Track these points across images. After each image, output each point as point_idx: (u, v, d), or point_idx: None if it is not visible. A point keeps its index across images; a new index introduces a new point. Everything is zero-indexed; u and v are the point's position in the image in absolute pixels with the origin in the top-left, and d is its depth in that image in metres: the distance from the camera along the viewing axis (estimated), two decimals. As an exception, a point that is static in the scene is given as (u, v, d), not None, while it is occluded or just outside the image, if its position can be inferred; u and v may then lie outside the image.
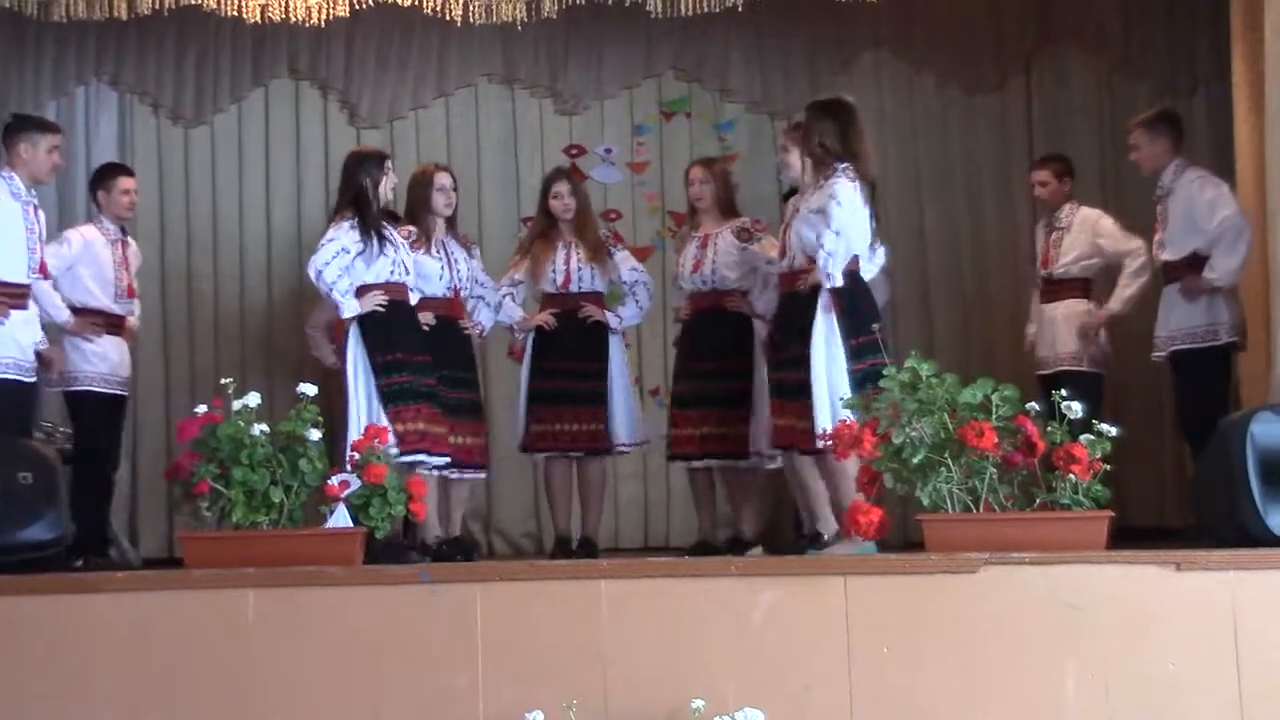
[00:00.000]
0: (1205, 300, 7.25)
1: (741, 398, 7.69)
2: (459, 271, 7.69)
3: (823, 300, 6.63)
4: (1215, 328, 7.27)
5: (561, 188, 7.95)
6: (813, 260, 6.68)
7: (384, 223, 7.29)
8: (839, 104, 6.88)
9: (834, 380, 6.58)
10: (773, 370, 7.06)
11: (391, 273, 7.25)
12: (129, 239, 8.09)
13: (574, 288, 7.86)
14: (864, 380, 6.42)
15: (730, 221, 7.79)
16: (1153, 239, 7.56)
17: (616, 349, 7.94)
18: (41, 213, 7.32)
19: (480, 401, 8.03)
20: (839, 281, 6.61)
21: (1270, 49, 6.66)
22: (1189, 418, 7.33)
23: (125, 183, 7.99)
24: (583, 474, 7.95)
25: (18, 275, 7.09)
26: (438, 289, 7.61)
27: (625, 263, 8.02)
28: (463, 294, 7.76)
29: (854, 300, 6.67)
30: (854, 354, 6.59)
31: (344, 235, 7.17)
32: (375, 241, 7.17)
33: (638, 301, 8.00)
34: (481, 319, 7.90)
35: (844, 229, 6.60)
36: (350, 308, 7.15)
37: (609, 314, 7.92)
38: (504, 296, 7.94)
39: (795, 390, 6.71)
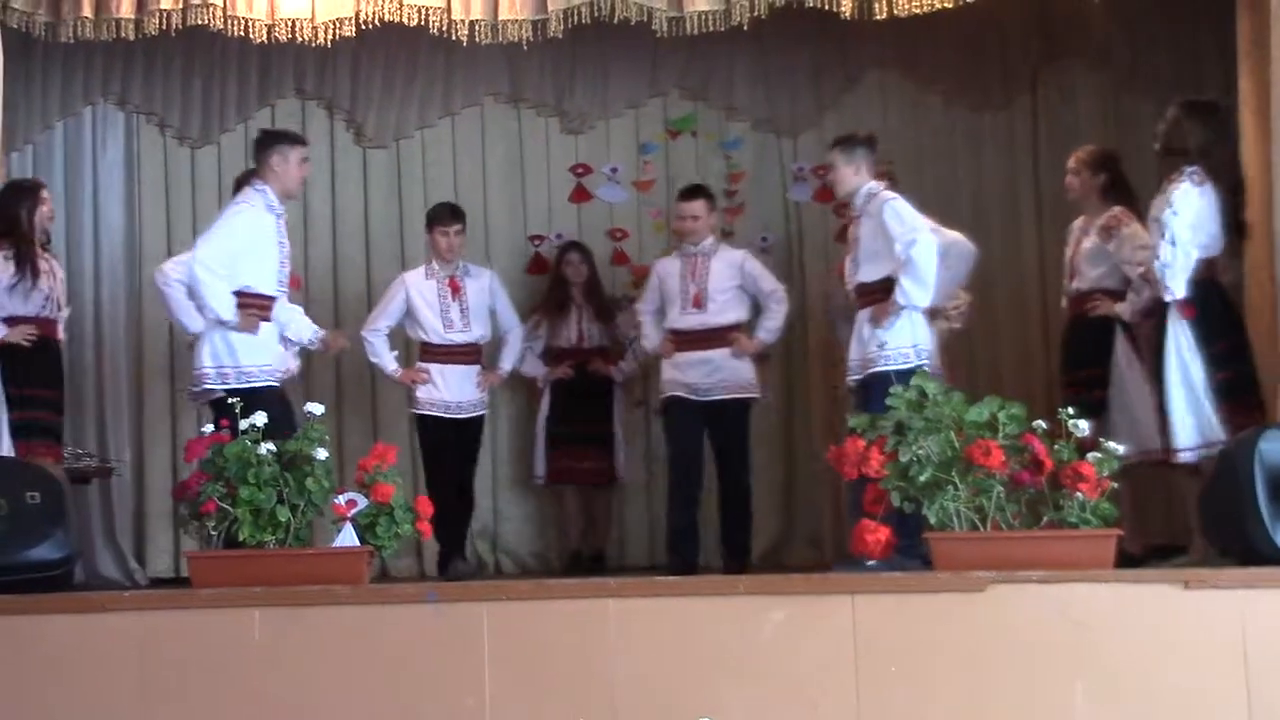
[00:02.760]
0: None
1: None
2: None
3: (1172, 312, 6.56)
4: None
5: (573, 256, 8.97)
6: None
7: (42, 254, 7.44)
8: (1209, 105, 6.85)
9: (1193, 391, 6.51)
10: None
11: (44, 307, 7.41)
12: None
13: (585, 344, 8.88)
14: (1229, 389, 6.43)
15: None
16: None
17: (618, 397, 8.94)
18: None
19: None
20: (1181, 293, 6.51)
21: (1277, 65, 6.66)
22: None
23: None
24: (593, 501, 9.01)
25: (268, 287, 7.23)
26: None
27: (627, 321, 8.83)
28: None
29: (1207, 306, 6.57)
30: (1215, 361, 6.52)
31: None
32: (29, 274, 7.32)
33: (635, 355, 8.87)
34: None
35: (1180, 238, 6.49)
36: None
37: (613, 368, 8.91)
38: (525, 349, 8.75)
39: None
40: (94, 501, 8.81)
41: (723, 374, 8.13)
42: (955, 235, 7.41)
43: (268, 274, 7.24)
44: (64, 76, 9.23)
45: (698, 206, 8.29)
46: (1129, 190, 7.54)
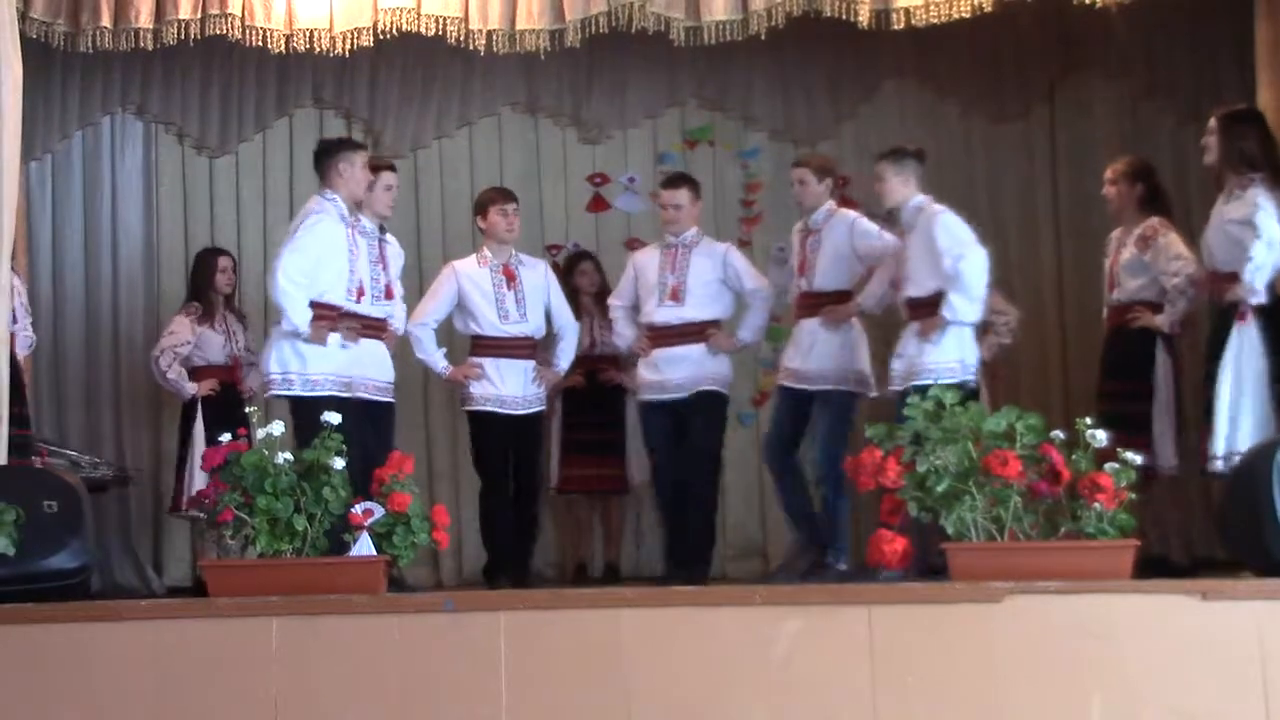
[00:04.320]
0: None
1: None
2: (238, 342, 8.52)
3: (1243, 313, 6.51)
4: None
5: (586, 265, 8.94)
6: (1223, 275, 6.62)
7: None
8: (1256, 114, 6.83)
9: (1246, 398, 6.48)
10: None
11: None
12: (389, 238, 7.69)
13: (597, 351, 8.73)
14: None
15: None
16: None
17: (632, 403, 8.53)
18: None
19: None
20: (1263, 297, 6.47)
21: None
22: None
23: (389, 178, 7.62)
24: (606, 510, 9.00)
25: (338, 298, 7.19)
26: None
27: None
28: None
29: (1276, 313, 6.53)
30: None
31: None
32: None
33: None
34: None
35: (1275, 240, 6.44)
36: None
37: (625, 375, 8.61)
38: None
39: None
40: (111, 510, 8.84)
41: (698, 371, 7.81)
42: (892, 240, 7.59)
43: (338, 284, 7.19)
44: (83, 86, 9.26)
45: (680, 195, 7.91)
46: (1166, 201, 7.54)
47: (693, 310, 7.84)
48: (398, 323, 7.67)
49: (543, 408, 8.05)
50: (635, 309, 8.06)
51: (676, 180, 8.08)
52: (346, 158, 7.28)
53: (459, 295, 7.90)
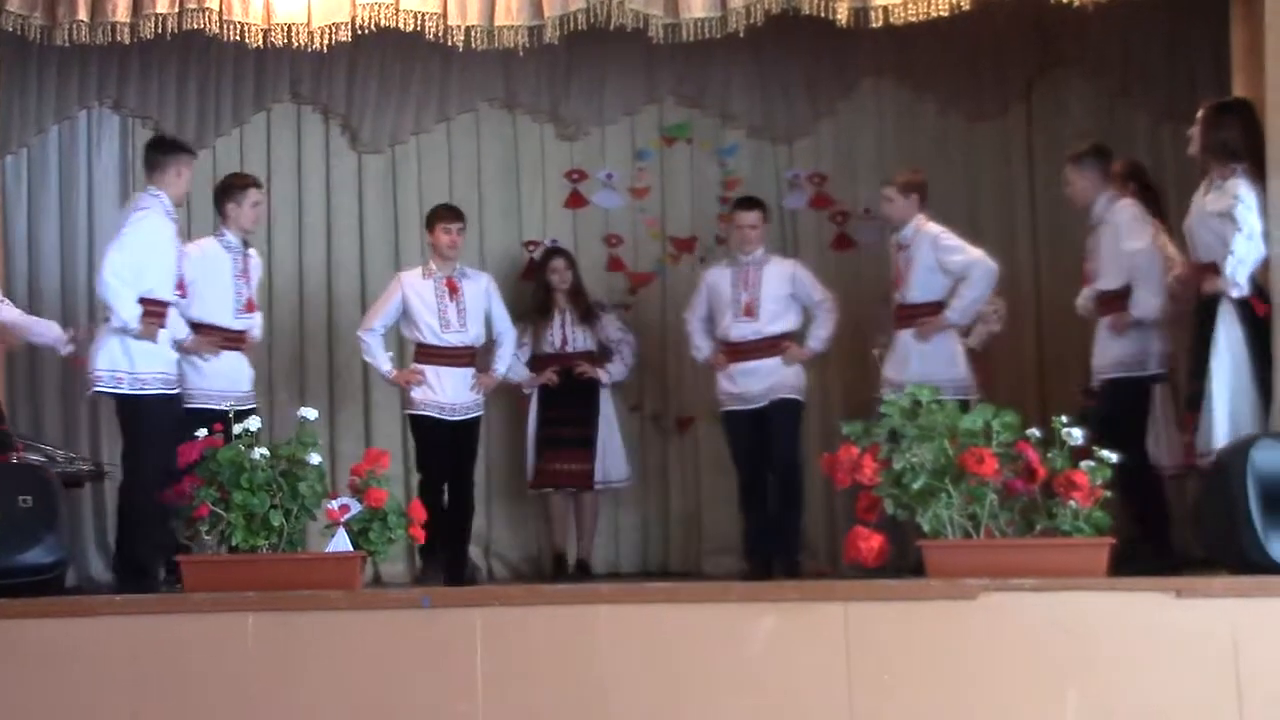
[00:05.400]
0: (1135, 332, 7.25)
1: None
2: None
3: (1227, 309, 6.50)
4: (1143, 358, 7.28)
5: (558, 262, 9.00)
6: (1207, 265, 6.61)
7: None
8: (1241, 104, 6.83)
9: (1234, 396, 6.46)
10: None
11: None
12: (252, 252, 8.00)
13: (570, 349, 8.90)
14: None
15: None
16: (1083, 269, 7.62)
17: (606, 400, 8.94)
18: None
19: None
20: (1246, 290, 6.45)
21: (1271, 75, 6.65)
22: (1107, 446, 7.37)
23: (255, 195, 7.93)
24: (578, 505, 9.01)
25: (166, 293, 7.29)
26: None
27: (612, 324, 9.07)
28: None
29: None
30: (1266, 361, 6.44)
31: None
32: None
33: (623, 359, 9.04)
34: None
35: (1255, 231, 6.42)
36: None
37: (600, 370, 8.92)
38: (514, 358, 8.73)
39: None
40: (87, 505, 8.81)
41: (773, 381, 8.28)
42: (979, 254, 7.79)
43: (166, 280, 7.32)
44: (59, 80, 9.20)
45: (754, 216, 8.48)
46: (1157, 198, 7.57)
47: (766, 325, 8.35)
48: (256, 332, 8.04)
49: (480, 413, 8.54)
50: (709, 321, 8.54)
51: (751, 203, 8.62)
52: (184, 160, 7.45)
53: (404, 304, 8.42)
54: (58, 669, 5.41)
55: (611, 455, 8.93)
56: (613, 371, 9.01)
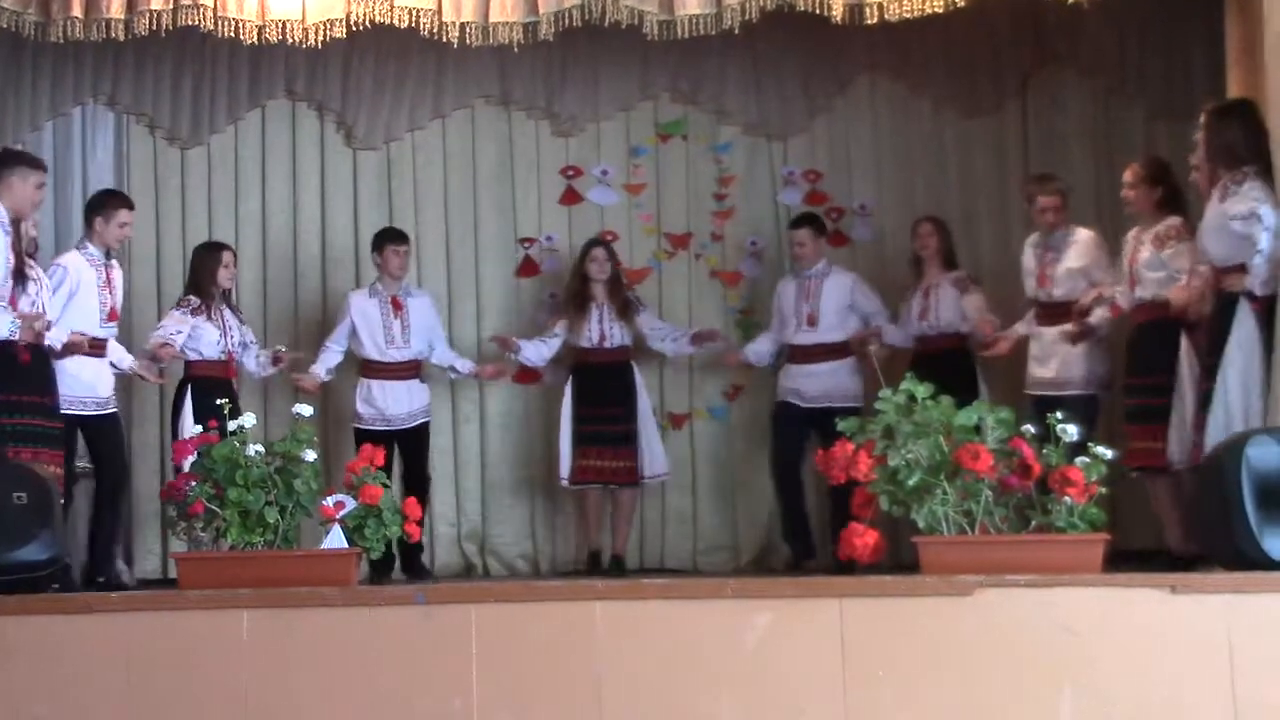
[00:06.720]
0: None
1: None
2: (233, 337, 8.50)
3: (1243, 308, 6.46)
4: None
5: (598, 252, 9.05)
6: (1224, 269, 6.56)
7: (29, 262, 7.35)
8: (1242, 105, 6.81)
9: (1246, 394, 6.43)
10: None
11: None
12: (114, 263, 8.04)
13: (607, 344, 8.95)
14: None
15: (949, 273, 8.68)
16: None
17: (643, 394, 9.02)
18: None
19: None
20: (1270, 288, 6.40)
21: (1268, 71, 6.66)
22: None
23: (125, 215, 7.96)
24: (616, 501, 9.04)
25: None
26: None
27: (650, 318, 9.15)
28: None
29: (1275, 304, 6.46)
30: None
31: None
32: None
33: (674, 338, 9.14)
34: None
35: (1277, 228, 6.37)
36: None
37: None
38: (540, 343, 9.05)
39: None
40: (82, 502, 8.79)
41: (830, 386, 8.69)
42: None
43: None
44: (53, 76, 9.19)
45: (802, 234, 8.92)
46: (1183, 200, 7.57)
47: (825, 333, 8.82)
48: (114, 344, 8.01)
49: (428, 419, 8.90)
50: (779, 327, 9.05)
51: (799, 221, 9.06)
52: (20, 172, 7.13)
53: (350, 324, 8.83)
54: (52, 666, 5.40)
55: (654, 449, 9.01)
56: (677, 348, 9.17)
